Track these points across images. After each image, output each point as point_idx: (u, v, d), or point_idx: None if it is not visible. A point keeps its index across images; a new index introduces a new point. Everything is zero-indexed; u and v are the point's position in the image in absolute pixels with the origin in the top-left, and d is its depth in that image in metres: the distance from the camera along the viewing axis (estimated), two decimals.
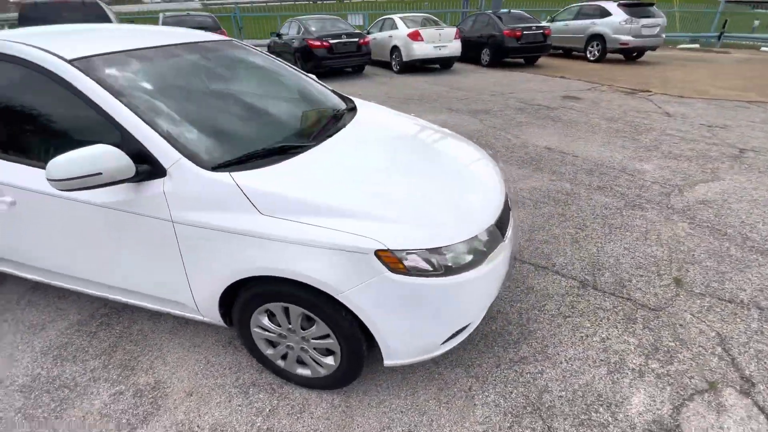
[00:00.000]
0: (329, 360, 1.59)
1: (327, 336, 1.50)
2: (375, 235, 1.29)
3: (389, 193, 1.47)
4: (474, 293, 1.46)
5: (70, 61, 1.45)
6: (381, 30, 10.58)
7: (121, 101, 1.41)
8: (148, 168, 1.38)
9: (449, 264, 1.34)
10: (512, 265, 1.88)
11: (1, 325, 2.14)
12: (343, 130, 1.91)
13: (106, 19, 8.03)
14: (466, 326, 1.54)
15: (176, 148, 1.38)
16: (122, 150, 1.32)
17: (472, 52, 10.68)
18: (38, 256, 1.83)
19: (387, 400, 1.67)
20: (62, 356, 1.93)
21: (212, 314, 1.63)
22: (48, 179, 1.24)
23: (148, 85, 1.61)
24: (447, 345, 1.51)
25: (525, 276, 2.42)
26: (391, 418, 1.60)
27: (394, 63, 10.13)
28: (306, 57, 8.97)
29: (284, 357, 1.70)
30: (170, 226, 1.42)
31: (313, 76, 2.69)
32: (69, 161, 1.23)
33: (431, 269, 1.32)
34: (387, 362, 1.48)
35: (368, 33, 11.11)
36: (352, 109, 2.27)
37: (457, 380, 1.75)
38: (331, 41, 8.77)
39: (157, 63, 1.77)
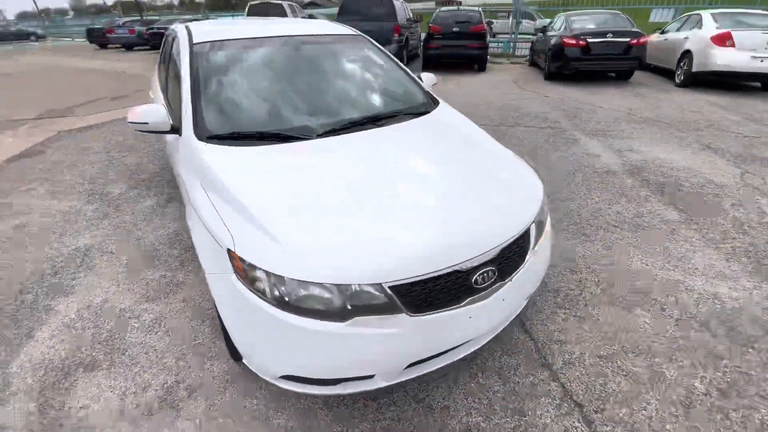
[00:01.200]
0: None
1: None
2: (239, 238, 1.32)
3: (308, 207, 1.41)
4: (324, 345, 1.24)
5: (192, 44, 2.06)
6: (680, 29, 8.16)
7: (191, 79, 1.92)
8: (178, 127, 1.91)
9: (285, 298, 1.22)
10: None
11: None
12: (362, 133, 1.89)
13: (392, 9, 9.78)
14: (333, 381, 1.35)
15: (194, 121, 1.81)
16: (172, 111, 1.85)
17: None
18: None
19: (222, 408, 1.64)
20: None
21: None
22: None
23: (222, 69, 2.11)
24: (291, 384, 1.38)
25: None
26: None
27: (678, 73, 7.73)
28: (555, 56, 8.09)
29: None
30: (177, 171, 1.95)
31: (425, 79, 2.67)
32: (134, 110, 1.88)
33: (268, 293, 1.24)
34: (244, 360, 1.49)
35: (662, 32, 8.82)
36: (420, 114, 2.20)
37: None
38: (590, 40, 7.51)
39: (251, 50, 2.27)
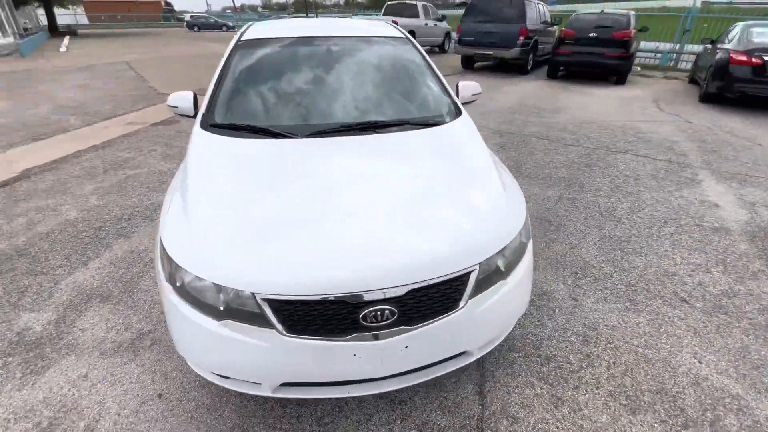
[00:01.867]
0: None
1: None
2: (166, 220, 1.45)
3: (239, 205, 1.45)
4: (200, 337, 1.29)
5: (238, 41, 2.33)
6: None
7: (220, 72, 2.18)
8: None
9: (177, 284, 1.32)
10: None
11: None
12: (349, 138, 1.85)
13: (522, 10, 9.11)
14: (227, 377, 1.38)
15: (207, 109, 2.03)
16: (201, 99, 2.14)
17: None
18: None
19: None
20: None
21: None
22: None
23: (250, 64, 2.27)
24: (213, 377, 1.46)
25: None
26: None
27: None
28: (718, 74, 6.44)
29: None
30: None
31: (463, 88, 2.50)
32: (172, 95, 2.21)
33: (168, 276, 1.36)
34: None
35: None
36: (431, 125, 2.06)
37: None
38: (767, 58, 5.75)
39: (286, 49, 2.37)
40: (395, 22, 11.62)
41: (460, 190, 1.61)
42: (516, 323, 1.96)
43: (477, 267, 1.34)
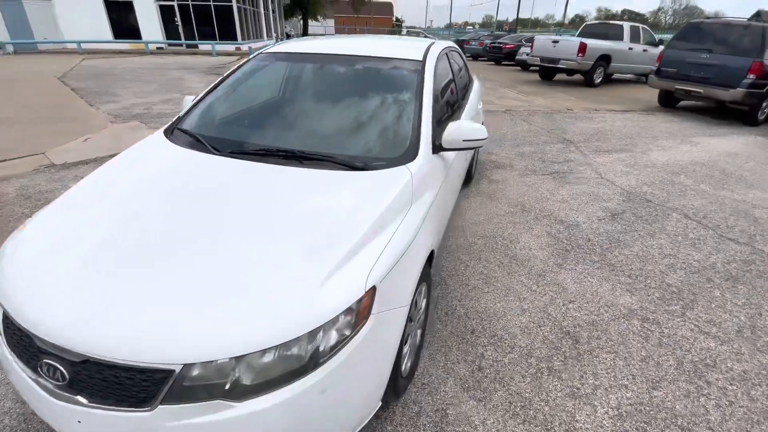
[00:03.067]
0: None
1: None
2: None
3: (59, 221, 1.41)
4: None
5: (258, 54, 2.34)
6: None
7: (220, 80, 2.23)
8: None
9: None
10: None
11: None
12: (258, 165, 1.64)
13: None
14: None
15: (185, 112, 2.13)
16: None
17: None
18: None
19: None
20: None
21: None
22: None
23: (250, 77, 2.27)
24: None
25: None
26: None
27: None
28: None
29: None
30: None
31: (454, 130, 1.94)
32: (186, 97, 2.35)
33: None
34: None
35: None
36: (354, 168, 1.64)
37: None
38: None
39: (290, 65, 2.31)
40: (582, 45, 10.05)
41: (264, 271, 1.17)
42: None
43: (181, 367, 0.98)
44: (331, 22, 56.21)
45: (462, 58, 3.42)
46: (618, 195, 3.91)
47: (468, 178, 3.83)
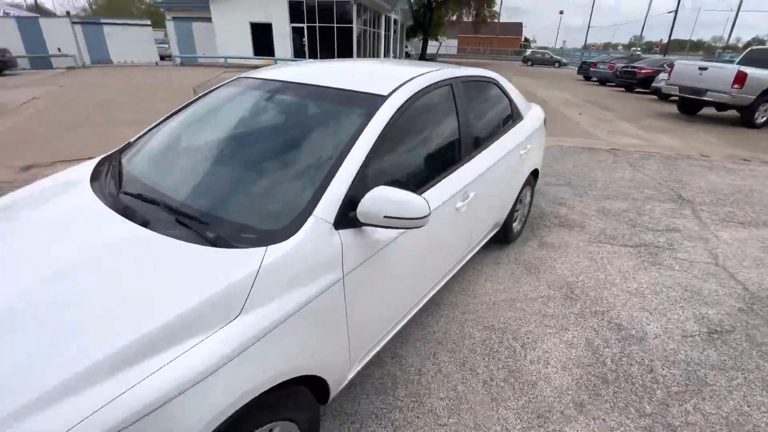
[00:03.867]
0: None
1: None
2: None
3: None
4: None
5: (241, 77, 2.12)
6: None
7: (185, 108, 2.06)
8: None
9: None
10: None
11: None
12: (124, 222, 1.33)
13: None
14: None
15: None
16: None
17: None
18: None
19: None
20: None
21: None
22: None
23: (205, 104, 2.06)
24: None
25: None
26: None
27: None
28: None
29: None
30: None
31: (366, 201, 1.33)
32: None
33: None
34: None
35: None
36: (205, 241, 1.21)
37: None
38: None
39: (247, 94, 1.99)
40: (741, 74, 7.79)
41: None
42: None
43: None
44: (453, 42, 56.36)
45: (502, 89, 2.68)
46: (734, 298, 2.62)
47: (506, 235, 3.01)
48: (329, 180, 1.32)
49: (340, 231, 1.30)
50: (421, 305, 1.97)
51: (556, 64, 34.74)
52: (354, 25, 20.80)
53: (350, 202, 1.32)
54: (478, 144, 2.23)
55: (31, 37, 17.34)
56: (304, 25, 21.18)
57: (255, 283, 1.07)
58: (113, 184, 1.57)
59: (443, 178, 1.85)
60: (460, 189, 1.93)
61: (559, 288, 2.66)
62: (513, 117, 2.75)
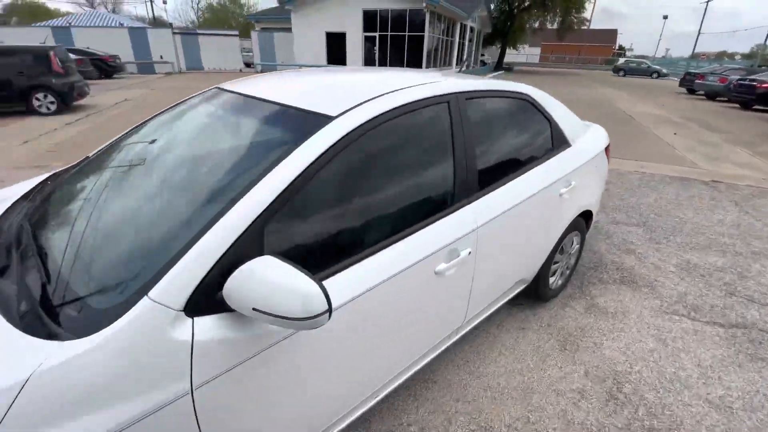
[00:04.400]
0: None
1: None
2: None
3: None
4: None
5: (216, 87, 1.80)
6: None
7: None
8: None
9: None
10: None
11: None
12: None
13: None
14: None
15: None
16: None
17: None
18: None
19: None
20: None
21: None
22: None
23: (171, 114, 1.79)
24: None
25: None
26: None
27: None
28: None
29: None
30: None
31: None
32: None
33: None
34: None
35: None
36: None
37: None
38: None
39: (204, 107, 1.68)
40: None
41: None
42: None
43: None
44: (535, 50, 53.29)
45: (538, 108, 2.05)
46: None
47: (538, 292, 2.34)
48: (194, 240, 0.90)
49: (201, 318, 0.88)
50: (380, 396, 1.47)
51: (654, 75, 30.87)
52: (425, 34, 20.56)
53: (228, 274, 0.89)
54: (488, 182, 1.65)
55: (139, 46, 19.80)
56: (376, 34, 21.48)
57: (16, 401, 0.69)
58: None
59: (414, 232, 1.33)
60: (443, 246, 1.39)
61: (601, 380, 1.94)
62: (554, 144, 2.09)
